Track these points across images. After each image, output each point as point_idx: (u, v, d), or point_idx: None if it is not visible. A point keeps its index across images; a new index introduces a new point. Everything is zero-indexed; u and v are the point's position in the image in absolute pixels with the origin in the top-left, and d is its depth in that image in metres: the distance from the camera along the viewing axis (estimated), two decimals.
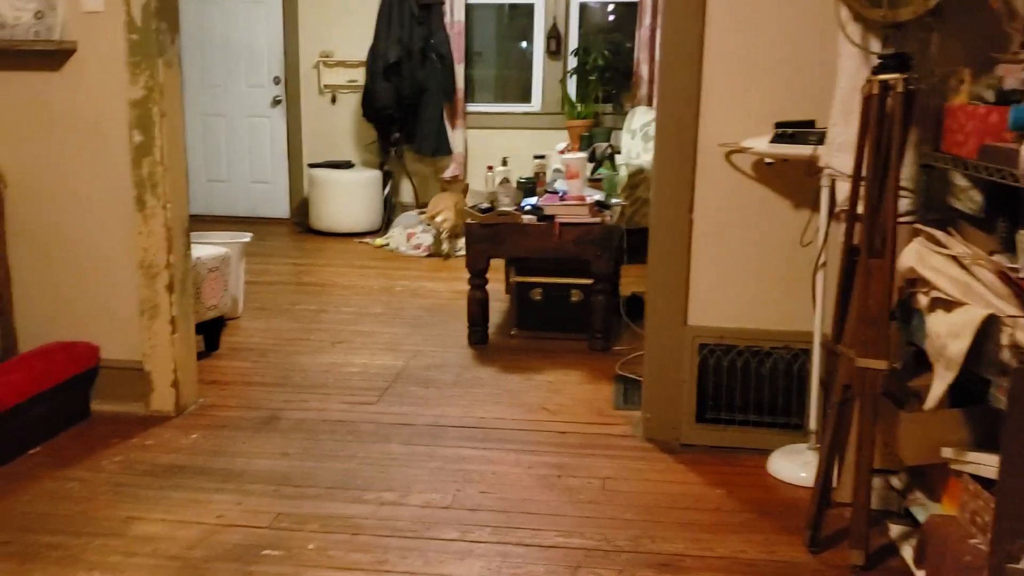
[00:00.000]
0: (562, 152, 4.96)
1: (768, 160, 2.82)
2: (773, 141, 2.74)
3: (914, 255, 2.17)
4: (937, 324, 2.06)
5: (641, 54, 6.63)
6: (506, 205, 4.08)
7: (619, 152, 6.17)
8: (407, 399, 3.41)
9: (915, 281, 2.29)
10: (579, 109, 6.77)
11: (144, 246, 3.15)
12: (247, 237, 4.47)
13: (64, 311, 3.24)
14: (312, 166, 6.93)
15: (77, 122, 3.13)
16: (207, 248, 3.87)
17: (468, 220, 4.04)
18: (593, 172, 5.20)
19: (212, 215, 7.08)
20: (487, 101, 7.21)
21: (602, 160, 4.85)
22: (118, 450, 2.95)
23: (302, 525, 2.47)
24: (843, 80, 2.52)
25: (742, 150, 2.84)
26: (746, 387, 3.04)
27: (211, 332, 3.91)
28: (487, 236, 4.00)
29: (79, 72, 3.10)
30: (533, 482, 2.76)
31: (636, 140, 6.45)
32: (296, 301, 4.86)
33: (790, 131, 2.73)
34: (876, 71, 2.30)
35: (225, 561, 2.28)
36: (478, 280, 4.06)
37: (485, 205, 4.07)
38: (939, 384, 2.06)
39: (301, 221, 7.09)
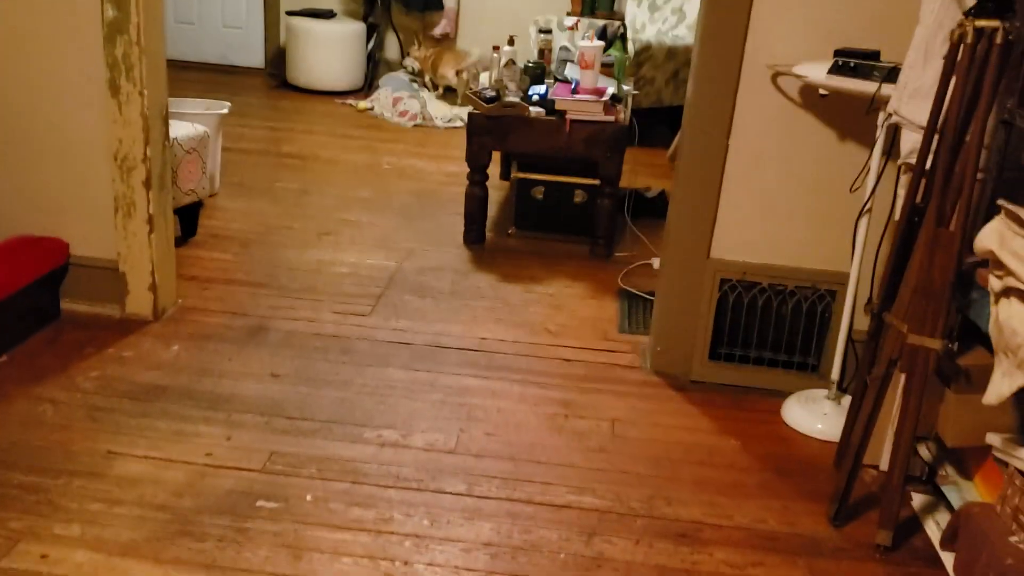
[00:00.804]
0: (571, 28, 4.55)
1: (822, 92, 2.54)
2: (831, 71, 2.45)
3: (995, 237, 1.95)
4: (1016, 320, 1.88)
5: None
6: (512, 93, 3.74)
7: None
8: (403, 311, 3.20)
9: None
10: None
11: (119, 136, 2.81)
12: (225, 108, 4.10)
13: (30, 203, 2.92)
14: (290, 14, 6.38)
15: None
16: (184, 127, 3.51)
17: (471, 110, 3.71)
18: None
19: (180, 60, 6.52)
20: None
21: (613, 40, 4.47)
22: (93, 363, 2.72)
23: (298, 469, 2.31)
24: (927, 16, 2.22)
25: (795, 76, 2.55)
26: (764, 325, 2.88)
27: (188, 217, 3.62)
28: (490, 129, 3.68)
29: None
30: (540, 422, 2.62)
31: (642, 9, 6.01)
32: (276, 178, 4.53)
33: (852, 62, 2.43)
34: (972, 13, 2.01)
35: (217, 514, 2.12)
36: (478, 176, 3.76)
37: (490, 93, 3.72)
38: (1007, 383, 1.90)
39: (276, 73, 6.59)
